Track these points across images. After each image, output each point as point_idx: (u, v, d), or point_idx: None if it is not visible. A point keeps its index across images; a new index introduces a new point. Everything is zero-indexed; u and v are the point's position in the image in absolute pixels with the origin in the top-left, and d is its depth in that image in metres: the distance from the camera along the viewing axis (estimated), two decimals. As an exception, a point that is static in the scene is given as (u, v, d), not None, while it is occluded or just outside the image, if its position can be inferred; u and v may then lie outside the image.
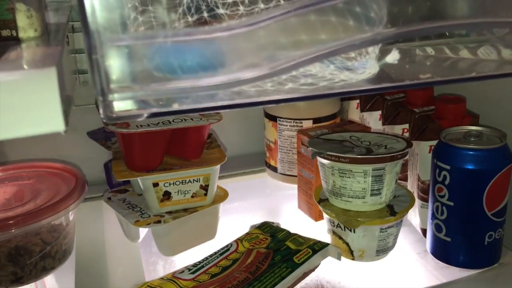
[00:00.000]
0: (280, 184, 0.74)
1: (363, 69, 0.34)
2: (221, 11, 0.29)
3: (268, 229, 0.56)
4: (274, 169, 0.74)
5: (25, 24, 0.33)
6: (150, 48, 0.28)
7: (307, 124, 0.69)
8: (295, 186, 0.70)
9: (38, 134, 0.24)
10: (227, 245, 0.53)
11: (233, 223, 0.65)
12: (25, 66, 0.23)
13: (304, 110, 0.69)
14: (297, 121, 0.69)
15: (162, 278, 0.48)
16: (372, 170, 0.51)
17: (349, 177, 0.52)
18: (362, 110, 0.70)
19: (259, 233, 0.56)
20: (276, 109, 0.71)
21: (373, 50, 0.33)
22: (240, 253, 0.51)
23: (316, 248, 0.52)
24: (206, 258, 0.51)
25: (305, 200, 0.66)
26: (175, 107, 0.29)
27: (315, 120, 0.69)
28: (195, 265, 0.50)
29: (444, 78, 0.34)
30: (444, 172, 0.51)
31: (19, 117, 0.22)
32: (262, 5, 0.29)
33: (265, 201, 0.73)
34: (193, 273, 0.48)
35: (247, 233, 0.56)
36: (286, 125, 0.70)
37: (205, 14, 0.29)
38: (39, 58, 0.26)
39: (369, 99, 0.68)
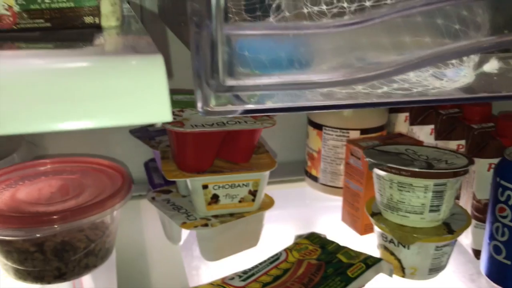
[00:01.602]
0: (321, 195, 0.72)
1: (457, 77, 0.32)
2: (323, 7, 0.28)
3: (317, 240, 0.55)
4: (315, 179, 0.72)
5: (109, 12, 0.32)
6: (251, 41, 0.26)
7: (354, 134, 0.68)
8: (336, 197, 0.69)
9: (144, 123, 0.22)
10: (276, 254, 0.52)
11: (274, 231, 0.63)
12: (130, 53, 0.22)
13: (351, 120, 0.68)
14: (344, 130, 0.68)
15: (211, 284, 0.47)
16: (434, 185, 0.49)
17: (409, 191, 0.50)
18: (411, 124, 0.68)
19: (308, 243, 0.54)
20: (322, 117, 0.69)
21: (472, 58, 0.31)
22: (291, 263, 0.50)
23: (369, 263, 0.50)
24: (256, 266, 0.49)
25: (350, 213, 0.64)
26: (269, 104, 0.28)
27: (363, 131, 0.68)
28: (245, 272, 0.48)
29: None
30: (508, 192, 0.49)
31: (126, 104, 0.20)
32: (367, 3, 0.28)
33: (305, 211, 0.72)
34: (243, 280, 0.47)
35: (296, 243, 0.54)
36: (332, 135, 0.69)
37: (305, 10, 0.28)
38: (139, 46, 0.25)
39: (420, 112, 0.66)
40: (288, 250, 0.52)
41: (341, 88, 0.30)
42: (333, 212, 0.68)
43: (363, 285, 0.50)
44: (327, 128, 0.69)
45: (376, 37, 0.28)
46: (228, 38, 0.25)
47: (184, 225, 0.53)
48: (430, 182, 0.49)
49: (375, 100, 0.30)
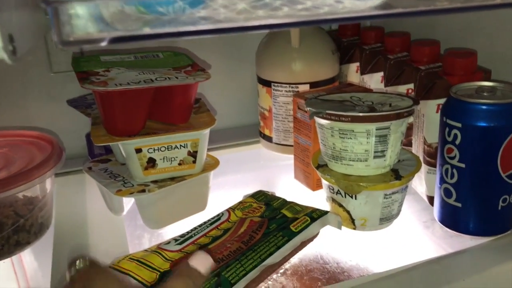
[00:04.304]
0: (275, 155, 0.70)
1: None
2: None
3: (263, 198, 0.52)
4: (269, 139, 0.69)
5: None
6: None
7: (304, 88, 0.64)
8: (291, 156, 0.66)
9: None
10: (218, 214, 0.49)
11: (226, 196, 0.60)
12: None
13: (300, 74, 0.65)
14: (293, 85, 0.65)
15: (146, 250, 0.44)
16: (376, 129, 0.46)
17: (351, 138, 0.47)
18: (362, 73, 0.65)
19: (252, 201, 0.51)
20: (270, 73, 0.66)
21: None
22: (232, 223, 0.47)
23: (315, 216, 0.48)
24: (195, 228, 0.47)
25: (302, 169, 0.61)
26: (146, 31, 0.24)
27: (312, 85, 0.65)
28: (182, 235, 0.45)
29: (465, 4, 0.29)
30: (454, 131, 0.46)
31: None
32: None
33: (259, 173, 0.69)
34: (180, 243, 0.44)
35: (240, 202, 0.51)
36: (281, 91, 0.65)
37: None
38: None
39: (369, 60, 0.63)
40: (231, 209, 0.49)
41: (237, 13, 0.27)
42: (287, 171, 0.65)
43: (310, 239, 0.47)
44: (275, 84, 0.66)
45: None
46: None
47: (119, 192, 0.50)
48: (372, 126, 0.46)
49: (271, 21, 0.26)
